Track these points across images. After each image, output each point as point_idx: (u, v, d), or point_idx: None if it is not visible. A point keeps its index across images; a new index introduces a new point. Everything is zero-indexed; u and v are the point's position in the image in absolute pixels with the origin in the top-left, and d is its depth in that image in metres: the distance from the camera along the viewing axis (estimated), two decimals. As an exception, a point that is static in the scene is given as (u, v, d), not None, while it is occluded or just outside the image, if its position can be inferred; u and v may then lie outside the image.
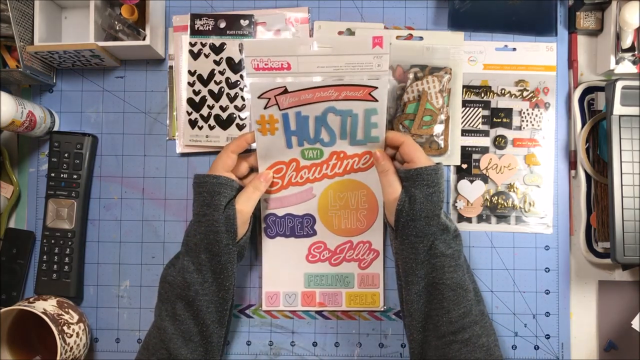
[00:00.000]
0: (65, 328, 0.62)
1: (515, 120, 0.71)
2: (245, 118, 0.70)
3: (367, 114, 0.63)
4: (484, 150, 0.71)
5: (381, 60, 0.61)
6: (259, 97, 0.62)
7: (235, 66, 0.70)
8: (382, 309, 0.70)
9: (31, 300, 0.65)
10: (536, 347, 0.70)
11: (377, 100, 0.62)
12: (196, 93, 0.70)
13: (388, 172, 0.62)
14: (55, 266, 0.69)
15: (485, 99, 0.71)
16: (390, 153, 0.65)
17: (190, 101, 0.70)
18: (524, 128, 0.71)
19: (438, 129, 0.69)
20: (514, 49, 0.71)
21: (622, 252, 0.63)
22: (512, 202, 0.71)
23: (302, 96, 0.62)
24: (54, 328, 0.61)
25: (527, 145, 0.71)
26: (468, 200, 0.71)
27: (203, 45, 0.70)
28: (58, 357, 0.60)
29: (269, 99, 0.62)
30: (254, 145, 0.70)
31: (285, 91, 0.61)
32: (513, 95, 0.71)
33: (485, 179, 0.71)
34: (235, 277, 0.63)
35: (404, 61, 0.70)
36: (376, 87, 0.61)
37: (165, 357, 0.60)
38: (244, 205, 0.62)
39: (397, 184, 0.62)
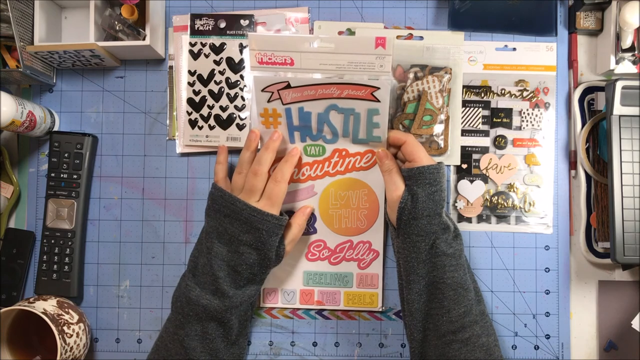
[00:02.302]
0: (65, 328, 0.62)
1: (515, 120, 0.71)
2: (245, 118, 0.70)
3: (369, 113, 0.63)
4: (484, 150, 0.71)
5: (384, 61, 0.61)
6: (262, 91, 0.62)
7: (235, 66, 0.70)
8: (381, 310, 0.70)
9: (31, 300, 0.65)
10: (536, 347, 0.70)
11: (379, 101, 0.62)
12: (196, 93, 0.70)
13: (392, 171, 0.63)
14: (55, 266, 0.69)
15: (485, 99, 0.71)
16: (392, 152, 0.65)
17: (190, 101, 0.70)
18: (524, 128, 0.71)
19: (438, 128, 0.69)
20: (514, 49, 0.71)
21: (622, 252, 0.63)
22: (512, 202, 0.71)
23: (304, 92, 0.62)
24: (54, 328, 0.61)
25: (527, 145, 0.71)
26: (468, 200, 0.71)
27: (203, 45, 0.70)
28: (58, 357, 0.60)
29: (272, 92, 0.62)
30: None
31: (288, 86, 0.62)
32: (513, 95, 0.71)
33: (485, 179, 0.71)
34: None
35: (404, 61, 0.70)
36: (378, 88, 0.61)
37: None
38: (290, 247, 0.65)
39: (401, 183, 0.62)
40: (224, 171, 0.66)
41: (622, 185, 0.63)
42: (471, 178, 0.71)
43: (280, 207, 0.62)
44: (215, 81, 0.70)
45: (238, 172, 0.64)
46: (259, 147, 0.66)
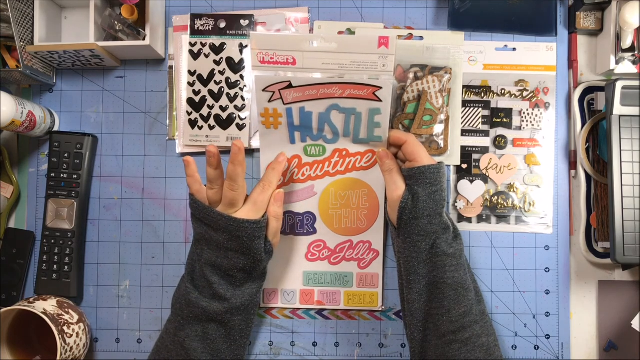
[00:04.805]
0: (65, 328, 0.62)
1: (515, 120, 0.71)
2: (245, 118, 0.70)
3: (370, 113, 0.63)
4: (484, 150, 0.71)
5: (386, 60, 0.61)
6: (263, 90, 0.62)
7: (235, 66, 0.70)
8: (381, 309, 0.70)
9: (31, 300, 0.65)
10: (536, 347, 0.70)
11: (381, 101, 0.62)
12: (196, 93, 0.70)
13: (392, 171, 0.62)
14: (55, 266, 0.69)
15: (485, 99, 0.71)
16: (393, 152, 0.65)
17: (190, 101, 0.70)
18: (524, 128, 0.71)
19: (438, 128, 0.69)
20: (514, 49, 0.71)
21: (622, 252, 0.63)
22: (512, 202, 0.71)
23: (306, 92, 0.62)
24: (54, 328, 0.61)
25: (527, 145, 0.71)
26: (468, 200, 0.71)
27: (203, 45, 0.70)
28: (58, 357, 0.60)
29: (273, 92, 0.62)
30: (254, 145, 0.70)
31: (290, 86, 0.62)
32: (513, 95, 0.71)
33: (485, 179, 0.71)
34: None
35: (404, 61, 0.70)
36: (380, 87, 0.61)
37: None
38: (276, 240, 0.64)
39: (401, 182, 0.62)
40: (197, 183, 0.62)
41: (622, 185, 0.63)
42: (471, 178, 0.71)
43: (264, 210, 0.61)
44: (215, 81, 0.70)
45: (209, 187, 0.61)
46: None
